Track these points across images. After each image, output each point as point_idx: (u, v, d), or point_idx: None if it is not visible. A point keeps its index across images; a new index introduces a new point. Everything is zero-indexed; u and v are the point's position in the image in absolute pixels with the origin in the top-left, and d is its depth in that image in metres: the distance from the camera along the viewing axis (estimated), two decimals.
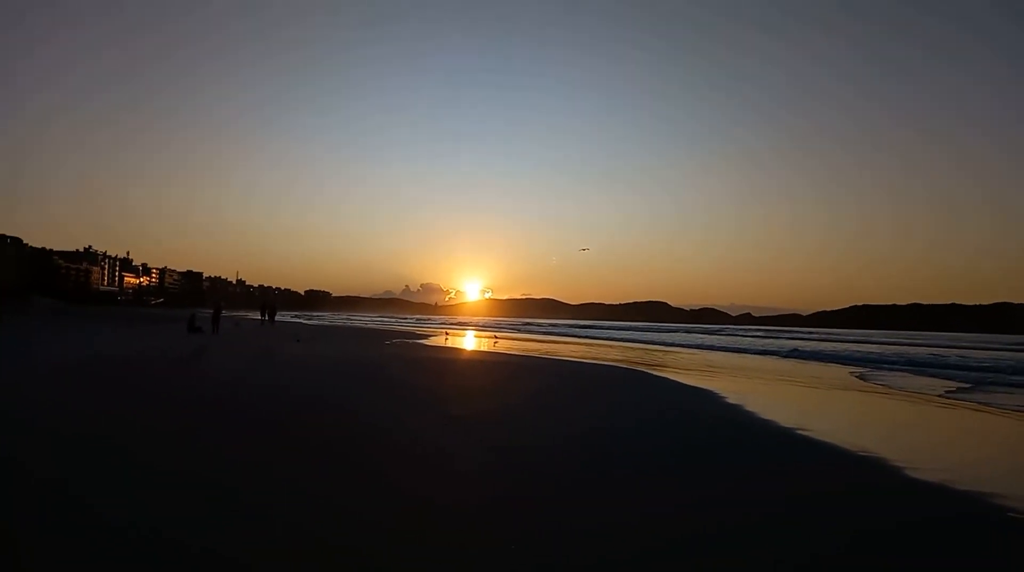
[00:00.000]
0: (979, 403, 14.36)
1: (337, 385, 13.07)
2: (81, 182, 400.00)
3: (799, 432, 9.14)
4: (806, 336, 78.15)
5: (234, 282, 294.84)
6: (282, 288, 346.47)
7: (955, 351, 41.56)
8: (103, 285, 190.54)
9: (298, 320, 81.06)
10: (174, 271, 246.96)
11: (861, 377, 20.71)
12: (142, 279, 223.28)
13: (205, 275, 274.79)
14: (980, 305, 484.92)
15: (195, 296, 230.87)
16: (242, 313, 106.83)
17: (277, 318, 54.71)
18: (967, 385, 18.62)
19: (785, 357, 31.11)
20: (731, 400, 12.78)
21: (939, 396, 15.67)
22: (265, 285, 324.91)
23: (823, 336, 79.76)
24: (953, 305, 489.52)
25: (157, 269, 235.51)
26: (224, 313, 48.07)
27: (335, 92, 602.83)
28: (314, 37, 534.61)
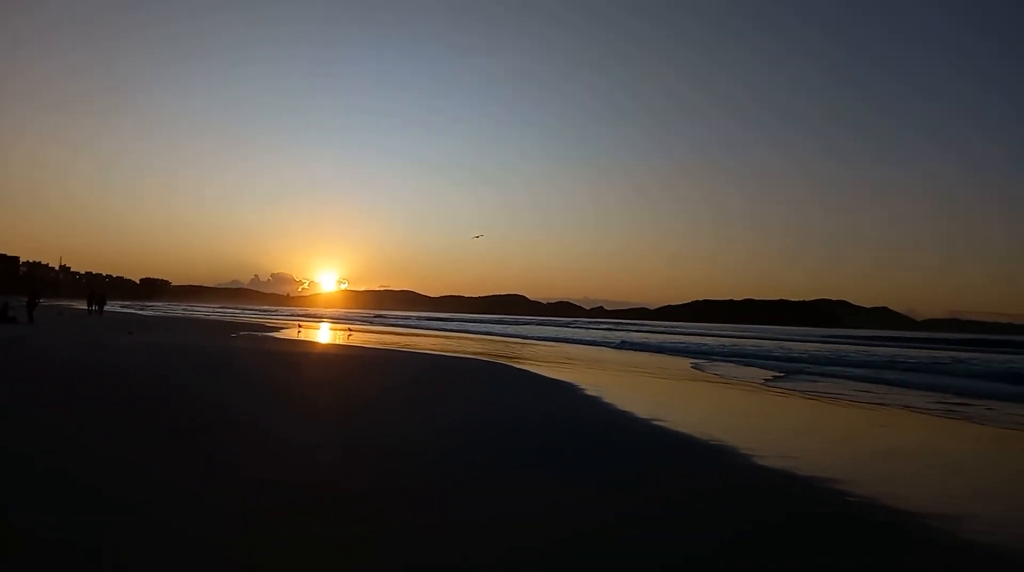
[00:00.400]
0: (790, 389, 15.98)
1: (181, 374, 12.23)
2: None
3: (656, 423, 9.55)
4: (647, 328, 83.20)
5: (57, 268, 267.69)
6: (114, 275, 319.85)
7: (779, 343, 45.85)
8: None
9: (131, 311, 74.83)
10: None
11: (697, 367, 22.29)
12: None
13: (22, 259, 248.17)
14: (804, 301, 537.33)
15: (10, 282, 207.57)
16: (66, 302, 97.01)
17: (107, 309, 50.24)
18: (781, 374, 20.54)
19: (616, 348, 33.52)
20: (589, 392, 13.17)
21: (760, 384, 17.24)
22: (94, 272, 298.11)
23: (661, 328, 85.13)
24: (782, 301, 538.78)
25: None
26: (43, 302, 43.64)
27: (196, 74, 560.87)
28: (171, 18, 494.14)
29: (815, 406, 13.27)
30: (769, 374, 20.49)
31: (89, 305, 45.99)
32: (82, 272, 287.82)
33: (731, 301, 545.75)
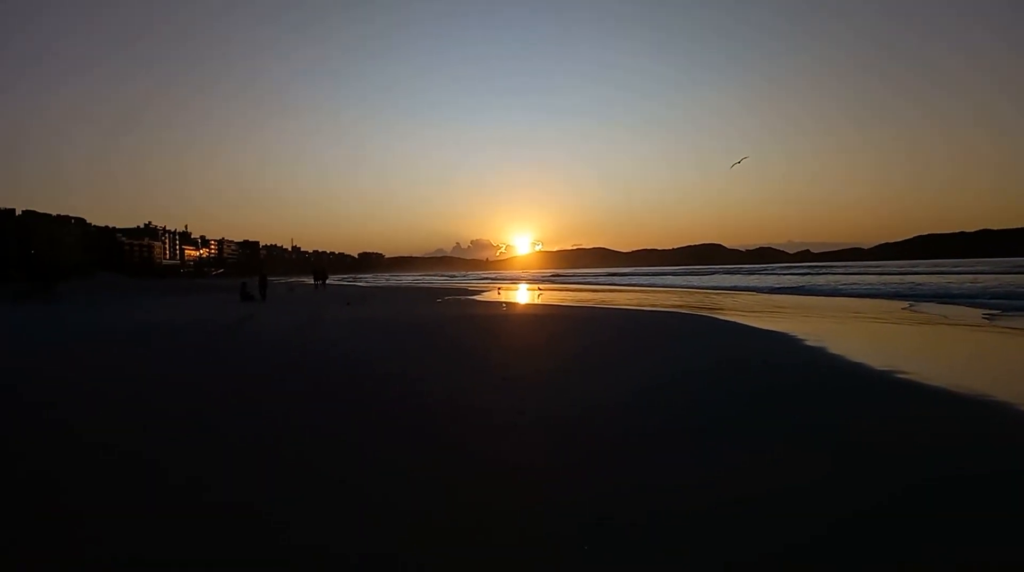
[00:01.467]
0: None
1: (386, 347, 12.48)
2: (137, 161, 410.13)
3: (898, 375, 8.07)
4: (855, 270, 74.96)
5: (289, 249, 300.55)
6: (336, 252, 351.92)
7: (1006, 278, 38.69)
8: (165, 259, 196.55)
9: (351, 283, 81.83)
10: (231, 242, 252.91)
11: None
12: (202, 251, 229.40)
13: (262, 244, 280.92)
14: None
15: (253, 265, 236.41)
16: (298, 279, 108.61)
17: (329, 282, 55.46)
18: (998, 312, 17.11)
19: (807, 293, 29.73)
20: (801, 340, 11.76)
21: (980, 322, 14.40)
22: (319, 250, 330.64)
23: (873, 269, 76.35)
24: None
25: (215, 240, 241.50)
26: (279, 279, 48.54)
27: (375, 57, 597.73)
28: (350, 3, 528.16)
29: None
30: (992, 312, 17.42)
31: (315, 279, 51.36)
32: (310, 250, 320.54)
33: (962, 233, 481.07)
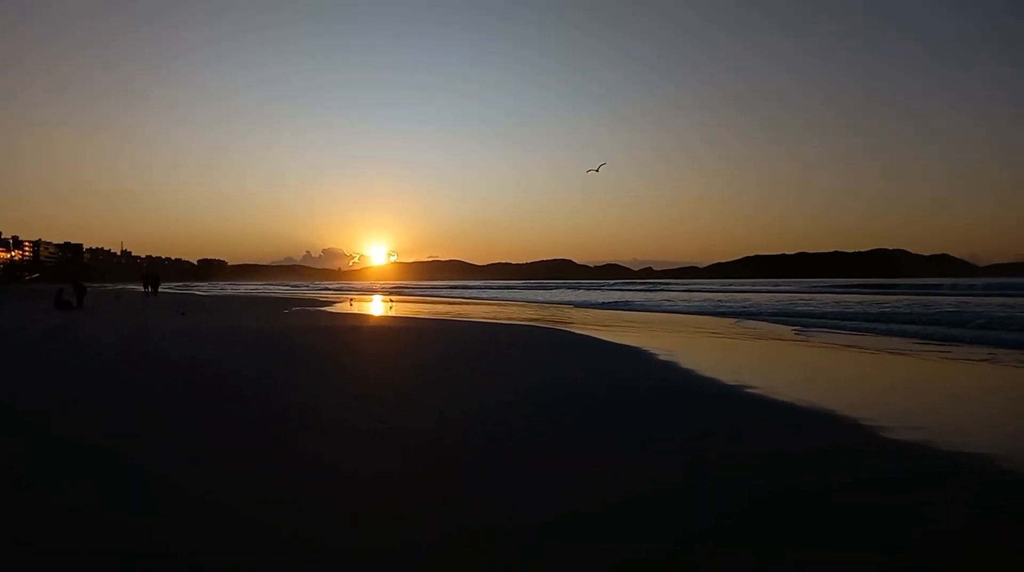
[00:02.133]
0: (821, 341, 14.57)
1: (231, 358, 11.53)
2: None
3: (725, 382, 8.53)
4: (694, 287, 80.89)
5: (119, 253, 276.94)
6: (173, 258, 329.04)
7: (814, 297, 43.08)
8: None
9: (187, 291, 76.29)
10: (50, 243, 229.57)
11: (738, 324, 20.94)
12: (13, 253, 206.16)
13: (86, 246, 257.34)
14: (860, 251, 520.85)
15: (76, 270, 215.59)
16: (127, 285, 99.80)
17: (162, 289, 51.86)
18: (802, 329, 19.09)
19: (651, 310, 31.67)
20: (649, 352, 12.25)
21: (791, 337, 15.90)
22: (153, 255, 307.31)
23: (707, 286, 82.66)
24: (836, 253, 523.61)
25: (30, 242, 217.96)
26: (106, 286, 44.41)
27: (235, 54, 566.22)
28: (214, 8, 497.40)
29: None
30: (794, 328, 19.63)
31: (144, 287, 48.14)
32: (143, 256, 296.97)
33: (783, 255, 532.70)
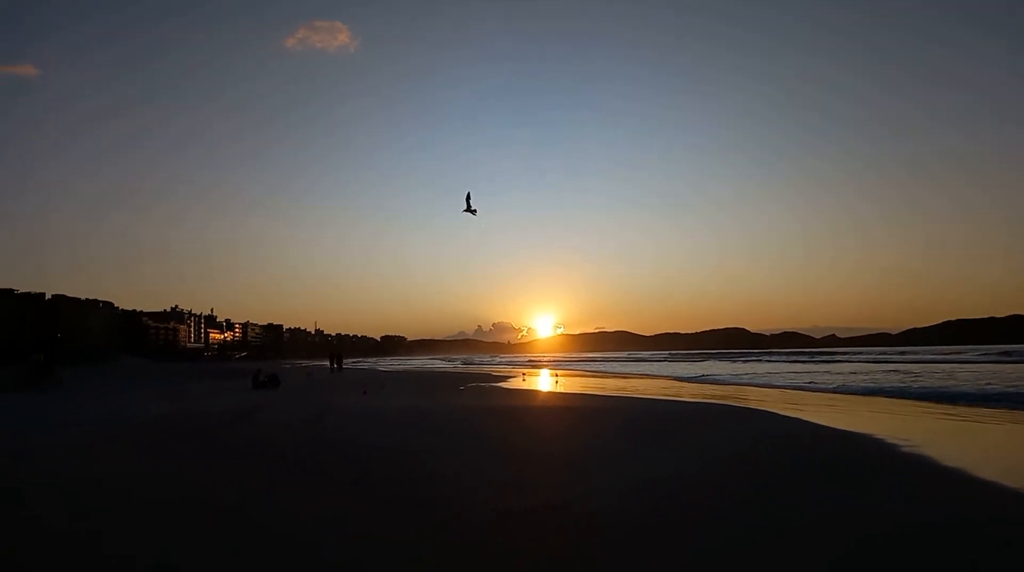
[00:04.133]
0: None
1: (407, 442, 10.94)
2: (163, 245, 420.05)
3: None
4: (886, 358, 71.38)
5: (312, 332, 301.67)
6: (359, 335, 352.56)
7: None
8: (190, 342, 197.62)
9: (372, 366, 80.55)
10: (256, 325, 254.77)
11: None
12: (226, 334, 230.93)
13: (285, 327, 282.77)
14: None
15: (277, 348, 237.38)
16: (319, 362, 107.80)
17: (347, 365, 55.77)
18: None
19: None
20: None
21: None
22: (343, 333, 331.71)
23: (897, 357, 72.96)
24: None
25: (240, 324, 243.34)
26: (301, 362, 47.67)
27: (393, 142, 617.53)
28: (365, 87, 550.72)
29: None
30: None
31: (331, 363, 52.12)
32: (333, 333, 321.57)
33: (991, 318, 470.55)
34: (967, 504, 6.71)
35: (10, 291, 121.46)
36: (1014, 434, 13.03)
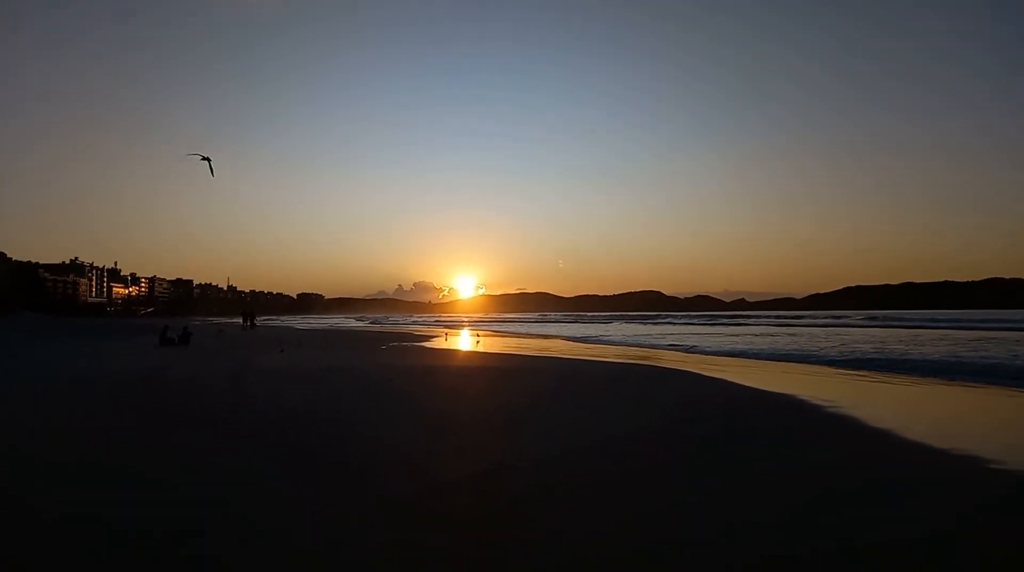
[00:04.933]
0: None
1: (330, 402, 10.42)
2: (66, 194, 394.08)
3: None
4: (787, 321, 75.51)
5: (225, 288, 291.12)
6: (274, 292, 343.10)
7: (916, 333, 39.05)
8: (91, 297, 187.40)
9: (287, 324, 78.32)
10: (163, 280, 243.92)
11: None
12: (131, 289, 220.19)
13: (195, 282, 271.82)
14: (972, 281, 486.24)
15: (186, 304, 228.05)
16: (231, 319, 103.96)
17: (261, 323, 54.60)
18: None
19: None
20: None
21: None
22: (256, 290, 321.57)
23: (801, 320, 77.28)
24: (946, 282, 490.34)
25: (146, 278, 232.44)
26: (212, 319, 45.93)
27: (319, 96, 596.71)
28: (295, 43, 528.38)
29: None
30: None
31: (243, 320, 50.63)
32: (247, 290, 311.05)
33: (887, 285, 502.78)
34: (902, 462, 6.87)
35: None
36: (910, 394, 13.67)
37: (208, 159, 24.43)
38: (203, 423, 9.05)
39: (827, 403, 10.76)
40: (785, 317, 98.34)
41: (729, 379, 14.91)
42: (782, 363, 20.53)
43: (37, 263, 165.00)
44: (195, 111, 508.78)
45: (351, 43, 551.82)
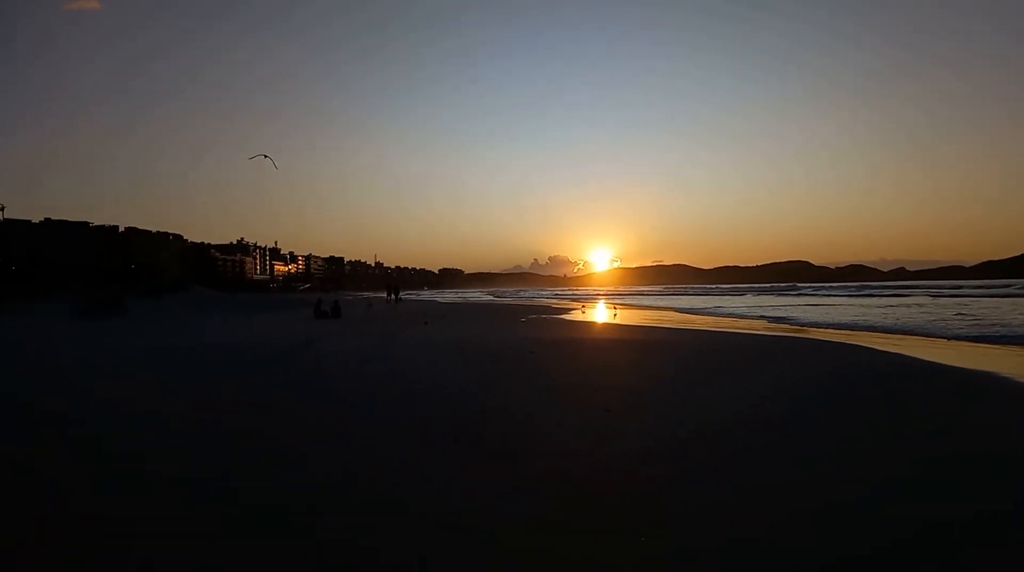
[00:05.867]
0: None
1: (473, 383, 10.40)
2: (225, 181, 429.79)
3: None
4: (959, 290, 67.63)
5: (372, 265, 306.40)
6: (417, 268, 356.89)
7: None
8: (256, 274, 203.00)
9: (430, 298, 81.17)
10: (318, 257, 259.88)
11: None
12: (290, 266, 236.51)
13: (346, 259, 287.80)
14: None
15: (338, 280, 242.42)
16: (379, 293, 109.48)
17: (405, 296, 57.23)
18: None
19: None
20: None
21: None
22: (401, 266, 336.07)
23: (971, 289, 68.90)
24: None
25: (303, 256, 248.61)
26: (361, 294, 48.44)
27: (449, 75, 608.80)
28: (423, 21, 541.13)
29: None
30: None
31: (387, 294, 52.91)
32: (392, 266, 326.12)
33: None
34: None
35: (85, 224, 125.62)
36: None
37: (268, 157, 26.56)
38: (351, 395, 9.22)
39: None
40: (941, 287, 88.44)
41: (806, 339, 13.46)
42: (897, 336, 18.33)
43: (209, 244, 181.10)
44: (346, 97, 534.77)
45: (479, 22, 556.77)
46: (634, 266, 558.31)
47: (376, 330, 22.12)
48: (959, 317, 25.49)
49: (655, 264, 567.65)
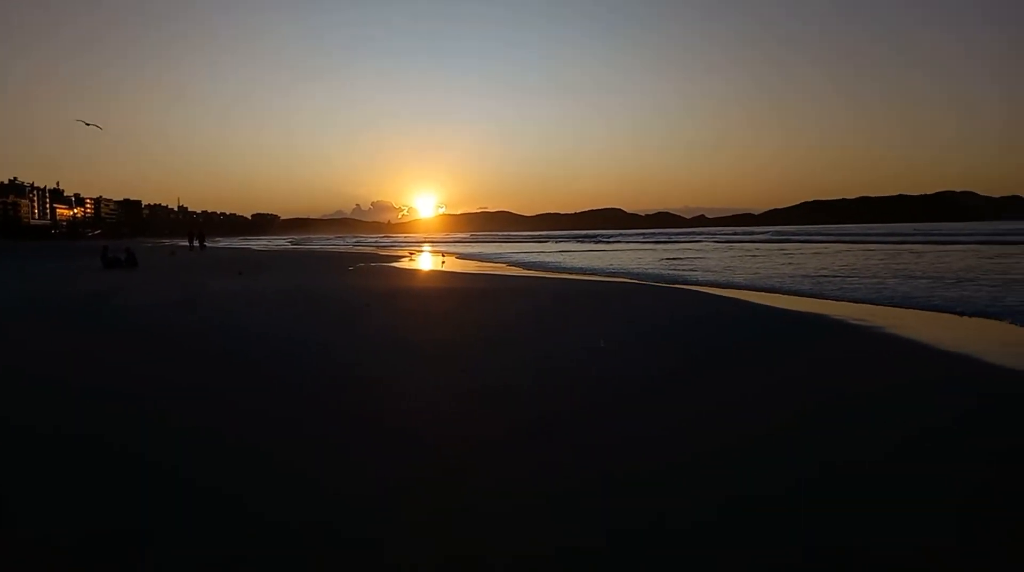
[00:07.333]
0: None
1: (301, 332, 8.99)
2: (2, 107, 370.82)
3: None
4: (742, 237, 74.71)
5: (175, 209, 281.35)
6: (227, 213, 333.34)
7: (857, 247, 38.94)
8: (34, 219, 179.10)
9: (243, 246, 75.46)
10: (110, 200, 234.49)
11: None
12: (76, 210, 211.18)
13: (144, 203, 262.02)
14: (925, 194, 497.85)
15: (135, 225, 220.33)
16: (182, 241, 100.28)
17: (216, 245, 52.02)
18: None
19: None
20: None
21: None
22: (209, 211, 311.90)
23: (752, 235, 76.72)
24: (900, 196, 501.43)
25: (91, 199, 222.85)
26: (162, 241, 43.78)
27: (276, 10, 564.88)
28: None
29: None
30: None
31: (190, 241, 47.89)
32: (198, 211, 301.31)
33: (843, 200, 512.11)
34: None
35: None
36: None
37: (89, 123, 24.33)
38: (160, 345, 7.57)
39: None
40: (727, 234, 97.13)
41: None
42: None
43: None
44: (144, 18, 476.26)
45: None
46: (459, 212, 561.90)
47: (182, 281, 19.54)
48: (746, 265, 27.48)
49: (480, 210, 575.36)
